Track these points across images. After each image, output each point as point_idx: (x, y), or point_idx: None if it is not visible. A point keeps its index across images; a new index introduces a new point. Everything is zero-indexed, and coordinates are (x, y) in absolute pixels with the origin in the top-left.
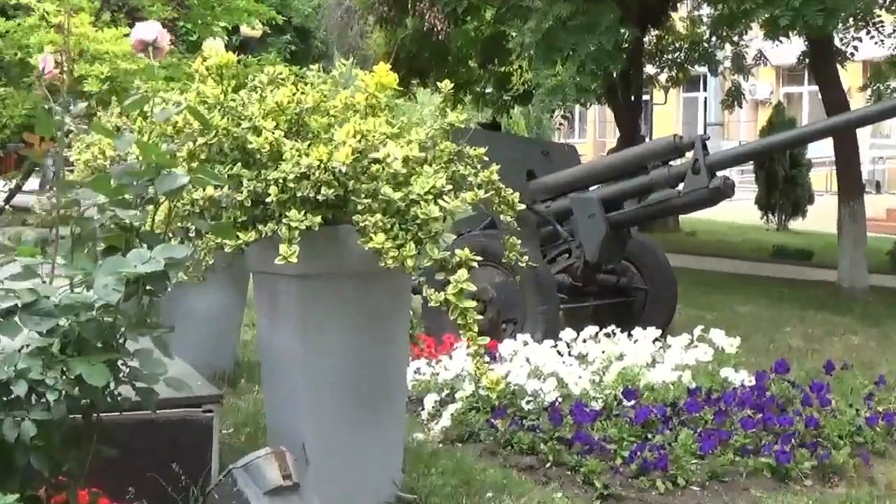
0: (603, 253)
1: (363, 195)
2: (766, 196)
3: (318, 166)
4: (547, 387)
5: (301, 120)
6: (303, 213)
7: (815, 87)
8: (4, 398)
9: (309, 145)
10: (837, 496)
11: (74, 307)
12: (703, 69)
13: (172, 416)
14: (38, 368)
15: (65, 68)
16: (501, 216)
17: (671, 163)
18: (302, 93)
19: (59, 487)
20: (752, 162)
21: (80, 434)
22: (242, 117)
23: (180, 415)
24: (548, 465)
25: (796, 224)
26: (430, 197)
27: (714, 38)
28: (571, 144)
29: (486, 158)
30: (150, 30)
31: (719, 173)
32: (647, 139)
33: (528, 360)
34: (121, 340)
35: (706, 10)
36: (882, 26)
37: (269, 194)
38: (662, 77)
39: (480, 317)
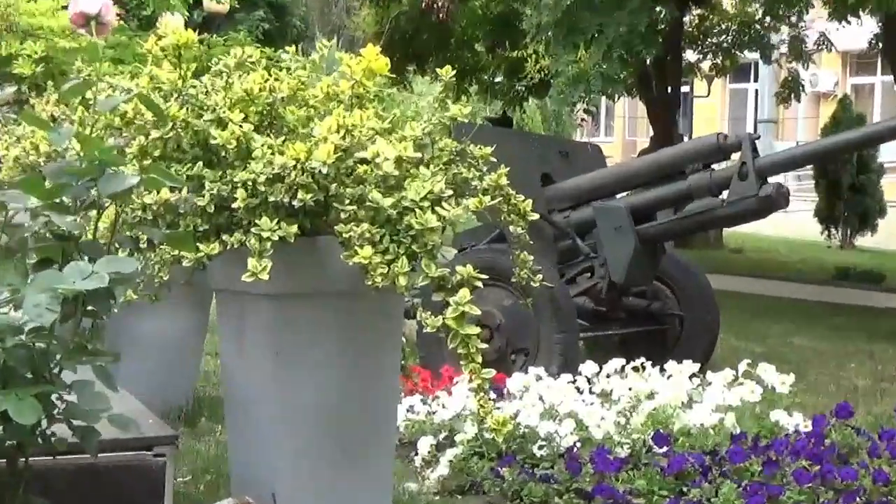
0: (632, 272)
1: (347, 201)
2: (828, 207)
3: (295, 166)
4: (563, 429)
5: (274, 111)
6: (276, 221)
7: (890, 77)
8: None
9: (284, 141)
10: None
11: None
12: (754, 56)
13: (117, 460)
14: None
15: None
16: (511, 227)
17: (714, 166)
18: (276, 79)
19: None
20: (811, 166)
21: (4, 482)
22: (204, 107)
23: (127, 459)
24: None
25: (864, 241)
26: (427, 204)
27: (768, 19)
28: (595, 144)
29: (493, 159)
30: (92, 1)
31: (771, 179)
32: (685, 138)
33: (541, 397)
34: (55, 370)
35: None
36: None
37: (236, 199)
38: (705, 65)
39: (485, 346)
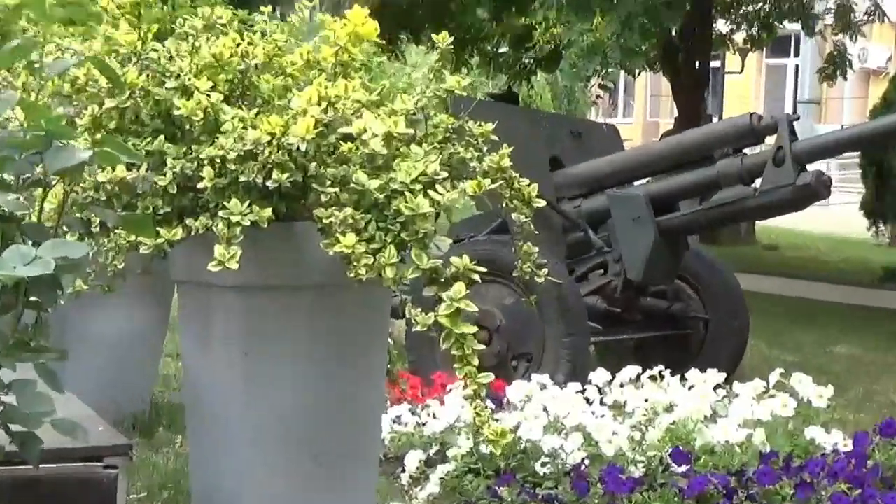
0: (650, 269)
1: (328, 182)
2: (876, 199)
3: (269, 142)
4: (570, 444)
5: (247, 80)
6: (247, 204)
7: None
8: None
9: (257, 114)
10: None
11: None
12: (794, 27)
13: (62, 472)
14: None
15: None
16: (514, 215)
17: (746, 151)
18: (249, 44)
19: None
20: (857, 153)
21: None
22: (167, 74)
23: (73, 471)
24: None
25: None
26: (419, 187)
27: None
28: (612, 125)
29: (495, 137)
30: None
31: (811, 167)
32: (714, 120)
33: (545, 408)
34: None
35: None
36: None
37: (202, 178)
38: (739, 37)
39: (482, 347)
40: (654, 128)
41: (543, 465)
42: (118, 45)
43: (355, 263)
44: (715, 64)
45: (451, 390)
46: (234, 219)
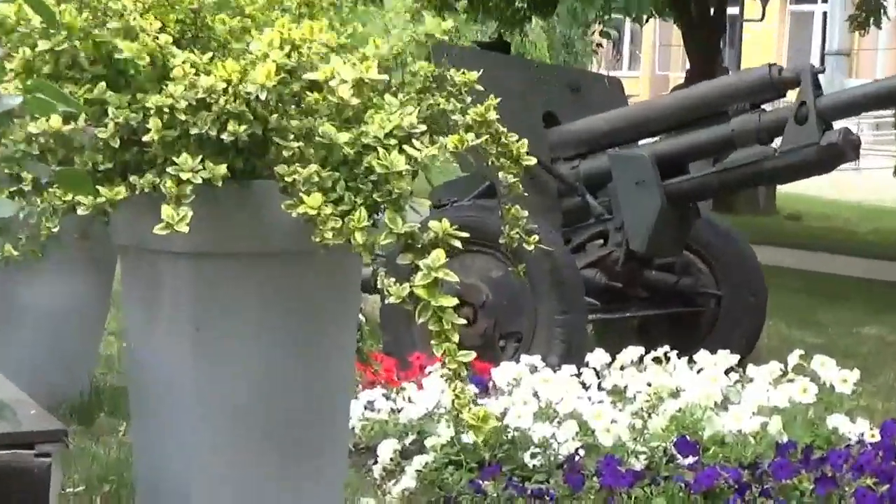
0: (656, 239)
1: (292, 136)
2: None
3: (225, 90)
4: (564, 433)
5: (200, 21)
6: (199, 159)
7: None
8: None
9: (211, 59)
10: None
11: None
12: None
13: None
14: None
15: None
16: (501, 175)
17: (764, 107)
18: None
19: None
20: (892, 111)
21: None
22: (109, 13)
23: (0, 458)
24: None
25: None
26: (394, 142)
27: None
28: (615, 78)
29: (480, 88)
30: None
31: (837, 124)
32: (730, 73)
33: (536, 393)
34: None
35: None
36: None
37: (149, 130)
38: None
39: (463, 322)
40: (663, 82)
41: (533, 456)
42: None
43: (321, 227)
44: (732, 10)
45: (430, 373)
46: (185, 176)
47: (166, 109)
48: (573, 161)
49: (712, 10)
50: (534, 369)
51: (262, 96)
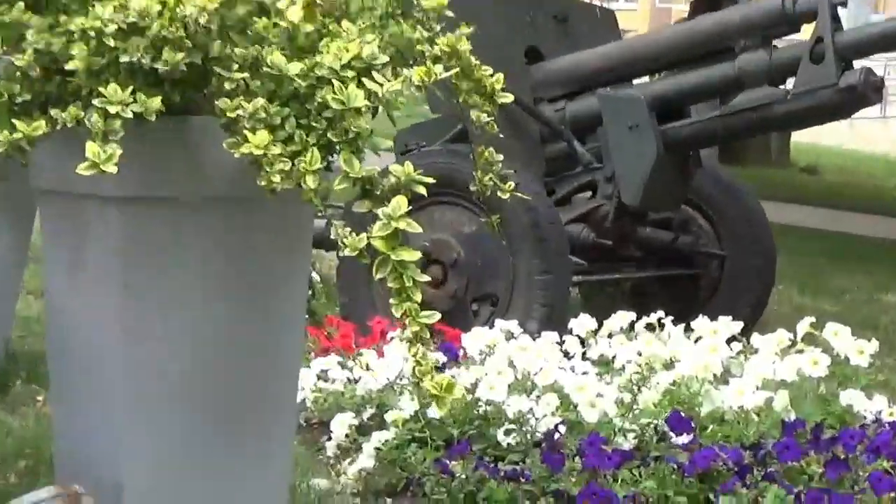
0: (651, 192)
1: (236, 67)
2: None
3: (160, 13)
4: (542, 408)
5: None
6: (130, 91)
7: None
8: None
9: None
10: None
11: None
12: None
13: None
14: None
15: None
16: (473, 114)
17: (775, 43)
18: None
19: None
20: None
21: None
22: None
23: None
24: None
25: None
26: (351, 74)
27: None
28: (608, 9)
29: (451, 14)
30: None
31: (858, 64)
32: (738, 3)
33: (511, 363)
34: None
35: None
36: None
37: (73, 57)
38: None
39: (426, 279)
40: (664, 16)
41: (507, 433)
42: None
43: (268, 169)
44: None
45: (392, 339)
46: (113, 109)
47: (93, 34)
48: (558, 102)
49: None
50: (510, 336)
51: (202, 20)
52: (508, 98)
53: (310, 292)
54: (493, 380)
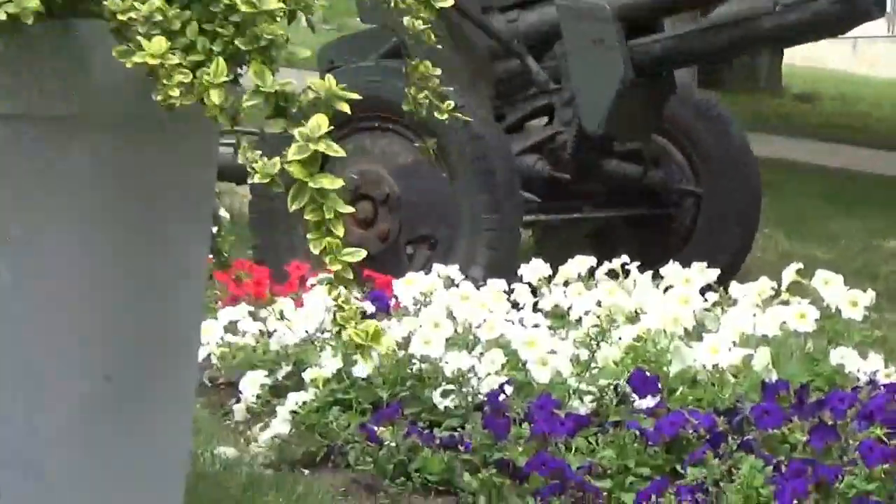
0: (617, 118)
1: None
2: None
3: None
4: (486, 366)
5: None
6: None
7: None
8: None
9: None
10: None
11: None
12: None
13: None
14: None
15: None
16: (406, 23)
17: None
18: None
19: None
20: None
21: None
22: None
23: None
24: None
25: None
26: None
27: None
28: None
29: None
30: None
31: None
32: None
33: (451, 314)
34: None
35: None
36: None
37: None
38: None
39: (350, 210)
40: None
41: (445, 394)
42: None
43: (165, 82)
44: None
45: (313, 286)
46: None
47: None
48: (511, 12)
49: None
50: (450, 283)
51: None
52: (448, 2)
53: (215, 230)
54: (428, 333)
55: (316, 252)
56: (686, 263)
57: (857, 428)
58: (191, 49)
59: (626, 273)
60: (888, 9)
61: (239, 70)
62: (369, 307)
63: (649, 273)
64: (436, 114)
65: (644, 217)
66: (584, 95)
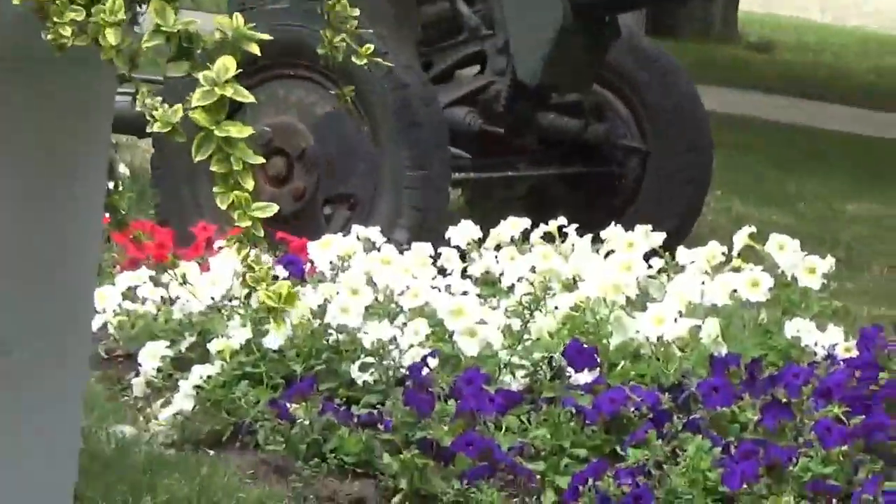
0: (555, 67)
1: None
2: None
3: None
4: (409, 337)
5: None
6: None
7: None
8: None
9: None
10: None
11: None
12: None
13: None
14: None
15: None
16: None
17: None
18: None
19: None
20: None
21: None
22: None
23: None
24: (398, 500)
25: None
26: None
27: None
28: None
29: None
30: None
31: None
32: None
33: (371, 279)
34: None
35: None
36: None
37: None
38: None
39: (260, 160)
40: None
41: (364, 368)
42: None
43: (56, 20)
44: None
45: (220, 249)
46: None
47: None
48: None
49: None
50: (370, 246)
51: None
52: None
53: (112, 185)
54: (346, 301)
55: (223, 207)
56: (629, 226)
57: (814, 406)
58: None
59: (564, 236)
60: None
61: (138, 8)
62: (282, 273)
63: (589, 236)
64: (354, 59)
65: (584, 176)
66: (519, 42)
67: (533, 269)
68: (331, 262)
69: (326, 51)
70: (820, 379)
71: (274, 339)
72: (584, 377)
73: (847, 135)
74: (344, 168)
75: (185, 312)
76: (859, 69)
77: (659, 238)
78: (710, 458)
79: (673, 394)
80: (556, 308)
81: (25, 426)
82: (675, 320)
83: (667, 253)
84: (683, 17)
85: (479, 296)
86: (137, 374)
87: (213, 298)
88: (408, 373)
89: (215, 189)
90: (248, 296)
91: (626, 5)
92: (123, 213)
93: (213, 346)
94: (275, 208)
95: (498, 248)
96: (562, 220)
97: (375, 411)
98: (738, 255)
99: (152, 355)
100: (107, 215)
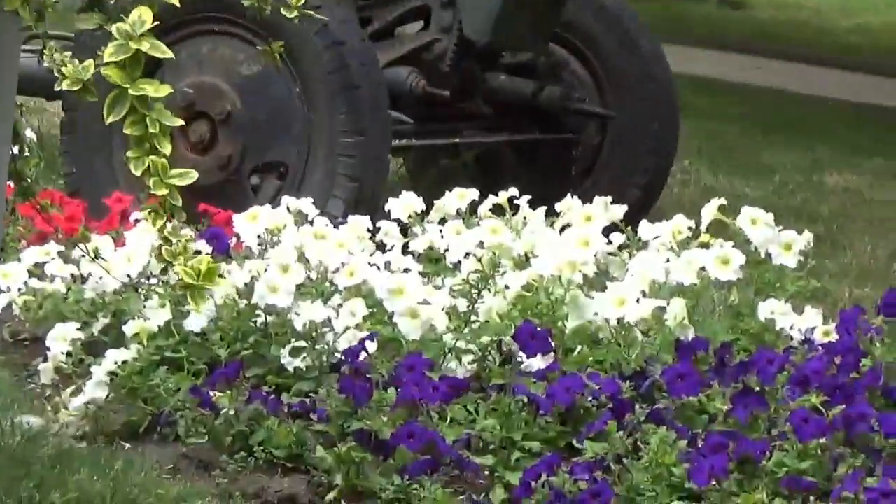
0: (506, 24)
1: None
2: None
3: None
4: (344, 319)
5: None
6: None
7: None
8: None
9: None
10: None
11: None
12: None
13: None
14: None
15: None
16: None
17: None
18: None
19: None
20: None
21: None
22: None
23: None
24: (332, 497)
25: None
26: None
27: None
28: None
29: None
30: None
31: None
32: None
33: (304, 256)
34: None
35: None
36: None
37: None
38: None
39: (178, 122)
40: None
41: (295, 353)
42: None
43: None
44: None
45: (137, 222)
46: None
47: None
48: None
49: None
50: (302, 219)
51: None
52: None
53: (16, 149)
54: (275, 279)
55: (137, 173)
56: (587, 198)
57: (790, 395)
58: None
59: (515, 209)
60: None
61: None
62: (205, 248)
63: (542, 209)
64: (284, 12)
65: (537, 143)
66: None
67: (481, 245)
68: (259, 237)
69: (253, 3)
70: (796, 366)
71: (196, 320)
72: (538, 363)
73: (828, 100)
74: (273, 133)
75: (97, 292)
76: (841, 29)
77: (620, 211)
78: (676, 452)
79: (635, 381)
80: (507, 287)
81: None
82: (638, 301)
83: (628, 227)
84: None
85: (421, 274)
86: (45, 360)
87: (128, 276)
88: (343, 358)
89: (129, 153)
90: (164, 271)
91: None
92: (29, 181)
93: (129, 329)
94: (195, 175)
95: (443, 221)
96: (513, 191)
97: (308, 400)
98: (707, 229)
99: (62, 338)
100: (11, 184)
